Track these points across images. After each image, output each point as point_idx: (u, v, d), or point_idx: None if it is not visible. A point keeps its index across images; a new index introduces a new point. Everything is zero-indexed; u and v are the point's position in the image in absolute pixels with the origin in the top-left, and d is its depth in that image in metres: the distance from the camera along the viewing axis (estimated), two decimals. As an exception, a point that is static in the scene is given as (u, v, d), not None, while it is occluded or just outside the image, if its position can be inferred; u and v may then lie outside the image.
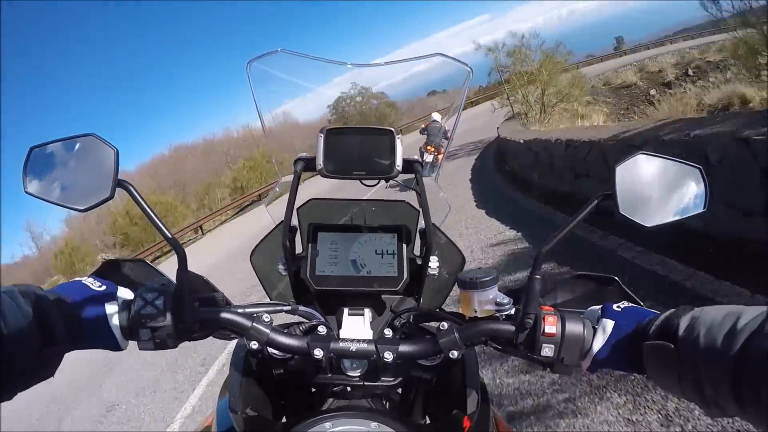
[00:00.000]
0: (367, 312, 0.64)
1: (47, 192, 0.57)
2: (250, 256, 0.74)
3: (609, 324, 0.51)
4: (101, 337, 0.52)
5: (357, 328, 0.61)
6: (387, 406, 0.65)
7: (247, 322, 0.54)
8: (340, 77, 0.65)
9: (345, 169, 0.59)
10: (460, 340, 0.53)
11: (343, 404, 0.59)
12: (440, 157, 6.54)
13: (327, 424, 0.46)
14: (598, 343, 0.51)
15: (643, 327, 0.48)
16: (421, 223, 0.66)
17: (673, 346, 0.43)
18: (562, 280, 0.61)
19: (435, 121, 6.72)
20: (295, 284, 0.70)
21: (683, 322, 0.44)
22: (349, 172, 0.59)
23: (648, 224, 0.52)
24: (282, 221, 0.65)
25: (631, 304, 0.53)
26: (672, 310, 0.47)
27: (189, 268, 0.52)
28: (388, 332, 0.56)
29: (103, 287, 0.54)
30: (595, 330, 0.52)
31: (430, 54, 0.61)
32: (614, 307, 0.53)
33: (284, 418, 0.63)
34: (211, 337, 0.60)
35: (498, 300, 0.54)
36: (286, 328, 0.59)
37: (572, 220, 0.52)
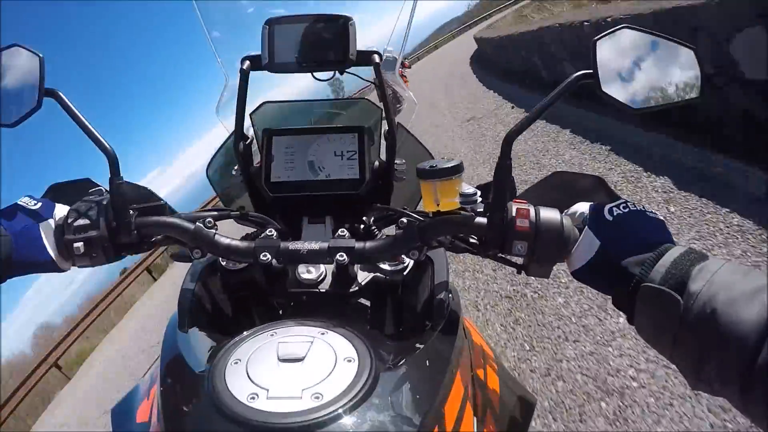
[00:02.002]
0: (329, 220, 0.59)
1: None
2: (206, 169, 0.70)
3: (594, 240, 0.42)
4: (37, 258, 0.49)
5: (318, 236, 0.56)
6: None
7: (189, 227, 0.49)
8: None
9: (293, 63, 0.54)
10: (420, 237, 0.48)
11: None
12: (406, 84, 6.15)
13: (267, 334, 0.42)
14: (581, 252, 0.43)
15: (642, 260, 0.39)
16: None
17: (679, 297, 0.35)
18: (539, 179, 0.55)
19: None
20: (254, 196, 0.65)
21: (697, 273, 0.35)
22: (299, 65, 0.54)
23: (635, 106, 0.46)
24: (234, 129, 0.60)
25: (628, 209, 0.44)
26: (682, 247, 0.39)
27: None
28: (343, 233, 0.52)
29: (39, 205, 0.51)
30: (577, 231, 0.45)
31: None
32: (605, 213, 0.44)
33: None
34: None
35: (463, 191, 0.47)
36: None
37: (546, 100, 0.45)
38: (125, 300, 8.41)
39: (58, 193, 0.56)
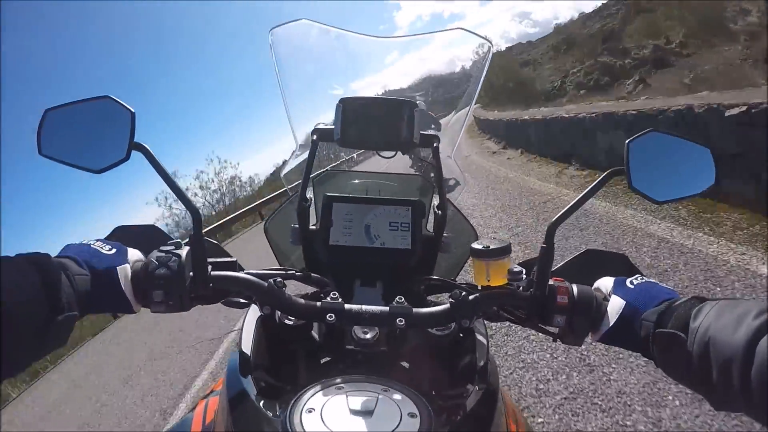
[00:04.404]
0: (380, 284, 0.64)
1: (62, 154, 0.57)
2: (264, 226, 0.74)
3: (620, 302, 0.51)
4: (113, 300, 0.51)
5: (369, 298, 0.61)
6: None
7: (262, 284, 0.53)
8: (361, 49, 0.65)
9: (362, 140, 0.59)
10: (472, 307, 0.54)
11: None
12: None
13: (334, 387, 0.46)
14: (608, 319, 0.51)
15: (655, 312, 0.48)
16: (436, 198, 0.66)
17: (684, 335, 0.43)
18: (573, 255, 0.62)
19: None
20: (308, 255, 0.70)
21: (696, 313, 0.44)
22: (367, 143, 0.59)
23: (659, 199, 0.53)
24: (297, 192, 0.65)
25: (645, 280, 0.53)
26: (686, 298, 0.47)
27: None
28: (401, 299, 0.57)
29: (114, 250, 0.53)
30: (606, 303, 0.52)
31: (450, 28, 0.62)
32: (627, 283, 0.52)
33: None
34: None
35: (511, 269, 0.54)
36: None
37: (584, 194, 0.53)
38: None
39: (123, 235, 0.59)
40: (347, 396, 0.44)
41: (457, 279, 0.75)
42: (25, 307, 0.41)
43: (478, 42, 0.64)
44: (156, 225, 0.62)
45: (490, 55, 0.64)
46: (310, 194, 0.70)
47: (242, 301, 0.61)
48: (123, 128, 0.55)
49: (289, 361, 0.61)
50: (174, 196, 0.54)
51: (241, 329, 0.59)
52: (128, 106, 0.56)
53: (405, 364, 0.63)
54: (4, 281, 0.40)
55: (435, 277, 0.66)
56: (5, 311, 0.39)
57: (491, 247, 0.52)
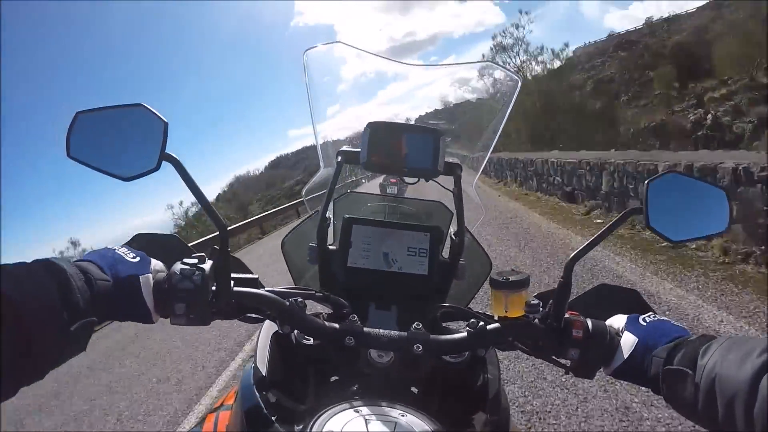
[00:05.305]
0: (394, 308, 0.64)
1: (90, 158, 0.56)
2: (282, 243, 0.75)
3: (633, 339, 0.52)
4: (133, 309, 0.50)
5: (383, 322, 0.62)
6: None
7: (284, 303, 0.54)
8: (391, 76, 0.67)
9: (388, 165, 0.60)
10: (490, 337, 0.55)
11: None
12: None
13: (351, 410, 0.46)
14: (620, 354, 0.52)
15: (665, 349, 0.49)
16: (454, 226, 0.67)
17: (692, 372, 0.44)
18: (587, 289, 0.63)
19: None
20: (324, 275, 0.70)
21: (704, 350, 0.45)
22: (392, 168, 0.60)
23: (674, 238, 0.55)
24: (317, 211, 0.66)
25: (657, 318, 0.54)
26: (695, 336, 0.49)
27: None
28: (418, 326, 0.57)
29: (137, 258, 0.53)
30: (618, 338, 0.54)
31: (481, 60, 0.64)
32: (640, 320, 0.54)
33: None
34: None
35: (528, 301, 0.55)
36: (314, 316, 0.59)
37: (602, 231, 0.54)
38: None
39: (142, 243, 0.59)
40: (366, 420, 0.45)
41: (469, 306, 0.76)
42: (41, 314, 0.41)
43: (507, 76, 0.66)
44: (177, 235, 0.62)
45: (518, 90, 0.66)
46: (329, 214, 0.70)
47: (255, 316, 0.61)
48: (154, 137, 0.55)
49: (299, 378, 0.61)
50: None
51: (256, 345, 0.60)
52: (161, 116, 0.56)
53: (414, 389, 0.63)
54: (19, 288, 0.39)
55: (452, 305, 0.67)
56: (21, 318, 0.39)
57: (510, 279, 0.54)
